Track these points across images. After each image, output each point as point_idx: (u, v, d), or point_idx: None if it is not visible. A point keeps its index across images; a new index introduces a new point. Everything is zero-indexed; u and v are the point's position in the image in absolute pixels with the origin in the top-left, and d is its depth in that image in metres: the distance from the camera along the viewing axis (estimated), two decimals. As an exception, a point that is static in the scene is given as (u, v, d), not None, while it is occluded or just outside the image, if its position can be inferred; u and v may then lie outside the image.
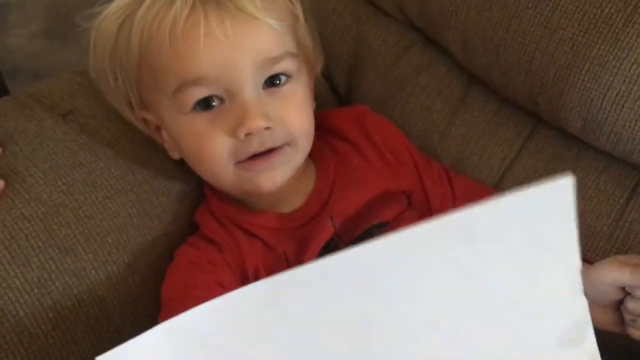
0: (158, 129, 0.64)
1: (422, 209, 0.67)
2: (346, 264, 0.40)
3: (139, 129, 0.65)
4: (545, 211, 0.40)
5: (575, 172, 0.66)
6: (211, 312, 0.39)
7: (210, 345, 0.40)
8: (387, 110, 0.74)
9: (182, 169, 0.66)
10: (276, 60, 0.58)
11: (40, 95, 0.65)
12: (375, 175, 0.66)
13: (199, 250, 0.61)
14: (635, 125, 0.60)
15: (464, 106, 0.72)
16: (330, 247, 0.62)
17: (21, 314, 0.55)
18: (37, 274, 0.56)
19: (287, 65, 0.59)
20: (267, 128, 0.58)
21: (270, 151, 0.59)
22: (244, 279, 0.60)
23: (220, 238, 0.62)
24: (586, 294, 0.44)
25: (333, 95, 0.78)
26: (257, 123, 0.57)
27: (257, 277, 0.60)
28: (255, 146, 0.58)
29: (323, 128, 0.67)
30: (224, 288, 0.57)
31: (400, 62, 0.74)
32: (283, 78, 0.59)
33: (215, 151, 0.58)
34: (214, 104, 0.58)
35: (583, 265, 0.54)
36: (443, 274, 0.41)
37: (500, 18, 0.64)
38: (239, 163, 0.60)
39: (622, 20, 0.59)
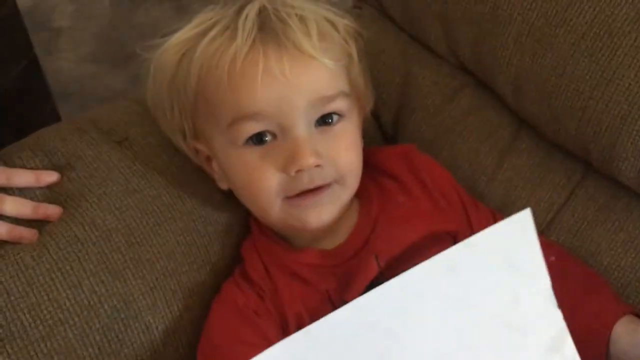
0: (208, 159, 0.65)
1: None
2: (353, 314, 0.47)
3: (190, 158, 0.67)
4: (514, 241, 0.50)
5: (625, 223, 0.66)
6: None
7: None
8: (434, 151, 0.74)
9: (230, 200, 0.66)
10: (330, 99, 0.60)
11: (98, 121, 0.67)
12: (421, 215, 0.66)
13: (245, 295, 0.62)
14: (690, 177, 0.60)
15: (512, 150, 0.72)
16: (374, 285, 0.62)
17: (70, 335, 0.56)
18: (87, 296, 0.57)
19: (339, 104, 0.60)
20: (317, 165, 0.59)
21: (318, 188, 0.60)
22: (285, 326, 0.61)
23: (262, 281, 0.62)
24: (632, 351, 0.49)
25: (380, 133, 0.79)
26: (309, 160, 0.58)
27: (299, 323, 0.61)
28: (305, 183, 0.59)
29: (369, 165, 0.67)
30: (269, 342, 0.59)
31: (449, 104, 0.75)
32: (335, 117, 0.61)
33: (265, 185, 0.59)
34: (267, 139, 0.59)
35: (635, 322, 0.54)
36: (438, 308, 0.48)
37: (555, 65, 0.64)
38: (287, 199, 0.60)
39: (681, 72, 0.58)
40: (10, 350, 0.54)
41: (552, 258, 0.64)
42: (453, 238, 0.66)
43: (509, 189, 0.71)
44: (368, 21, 0.78)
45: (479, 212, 0.68)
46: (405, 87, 0.77)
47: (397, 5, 0.77)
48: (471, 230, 0.67)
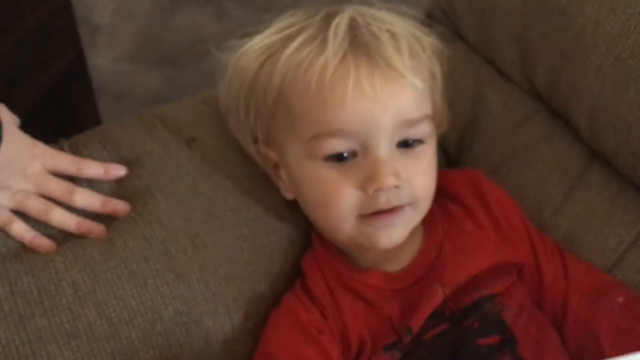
0: (276, 167, 0.64)
1: (533, 283, 0.65)
2: None
3: (256, 164, 0.65)
4: None
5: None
6: None
7: None
8: (499, 177, 0.72)
9: (293, 210, 0.65)
10: (415, 122, 0.59)
11: (166, 119, 0.66)
12: (488, 245, 0.64)
13: (307, 310, 0.60)
14: None
15: (582, 182, 0.70)
16: (437, 313, 0.61)
17: (133, 336, 0.55)
18: (152, 296, 0.56)
19: (423, 129, 0.60)
20: (396, 186, 0.58)
21: (392, 209, 0.59)
22: (346, 347, 0.59)
23: (324, 299, 0.61)
24: None
25: (443, 156, 0.77)
26: (389, 180, 0.57)
27: (361, 343, 0.59)
28: (382, 203, 0.58)
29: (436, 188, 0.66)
30: None
31: (519, 130, 0.73)
32: (415, 143, 0.60)
33: (341, 203, 0.58)
34: (346, 155, 0.58)
35: None
36: None
37: (637, 99, 0.62)
38: (360, 217, 0.59)
39: None
40: (75, 347, 0.53)
41: (621, 299, 0.62)
42: (518, 270, 0.65)
43: (575, 222, 0.69)
44: (439, 40, 0.76)
45: (544, 244, 0.67)
46: (474, 110, 0.76)
47: (472, 25, 0.76)
48: (537, 263, 0.65)
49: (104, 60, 1.86)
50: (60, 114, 1.17)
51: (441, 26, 0.80)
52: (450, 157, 0.78)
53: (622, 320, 0.61)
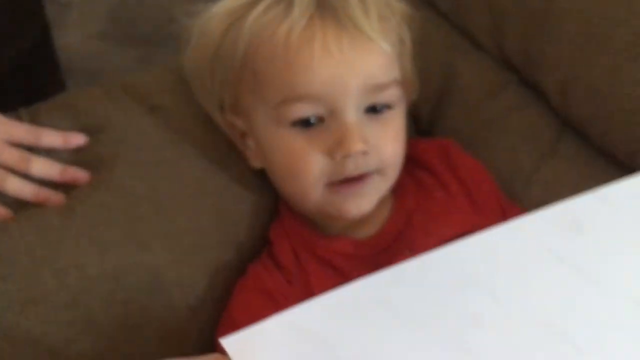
0: (243, 135, 0.63)
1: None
2: (449, 259, 0.41)
3: (223, 133, 0.64)
4: None
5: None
6: (322, 306, 0.40)
7: (319, 339, 0.40)
8: (471, 148, 0.71)
9: (261, 179, 0.64)
10: (383, 87, 0.58)
11: (130, 87, 0.65)
12: (458, 212, 0.64)
13: (273, 279, 0.60)
14: None
15: (553, 153, 0.70)
16: None
17: (93, 304, 0.54)
18: (113, 264, 0.55)
19: (392, 93, 0.59)
20: (364, 152, 0.57)
21: (360, 178, 0.58)
22: None
23: (291, 266, 0.61)
24: None
25: (414, 126, 0.77)
26: (357, 146, 0.56)
27: None
28: (350, 169, 0.57)
29: (406, 156, 0.65)
30: None
31: (491, 101, 0.73)
32: (384, 109, 0.59)
33: (309, 169, 0.57)
34: (313, 121, 0.57)
35: None
36: (551, 270, 0.39)
37: (609, 66, 0.62)
38: (328, 185, 0.58)
39: None
40: (32, 315, 0.51)
41: None
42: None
43: (546, 192, 0.69)
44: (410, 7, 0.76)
45: (515, 213, 0.66)
46: (446, 80, 0.75)
47: (443, -7, 0.75)
48: None
49: (74, 38, 1.82)
50: (27, 91, 1.14)
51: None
52: (421, 127, 0.77)
53: None
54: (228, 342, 0.39)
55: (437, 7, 0.77)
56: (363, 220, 0.61)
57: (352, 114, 0.57)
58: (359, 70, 0.56)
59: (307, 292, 0.59)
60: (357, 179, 0.58)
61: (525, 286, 0.39)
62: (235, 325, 0.57)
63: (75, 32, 1.84)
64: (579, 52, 0.64)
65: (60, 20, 1.86)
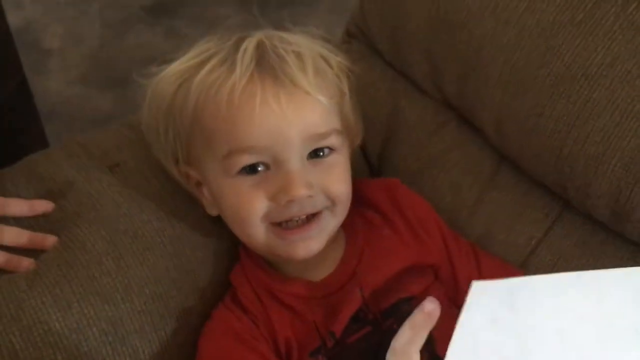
0: (199, 184, 0.67)
1: (449, 284, 0.69)
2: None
3: (180, 185, 0.68)
4: None
5: (600, 258, 0.68)
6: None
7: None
8: (417, 183, 0.76)
9: (219, 226, 0.68)
10: (323, 136, 0.62)
11: (89, 146, 0.69)
12: (404, 248, 0.68)
13: (239, 320, 0.63)
14: (662, 216, 0.62)
15: (493, 184, 0.74)
16: (359, 316, 0.64)
17: (58, 357, 0.57)
18: (76, 319, 0.58)
19: (332, 141, 0.63)
20: (309, 196, 0.60)
21: (308, 220, 0.62)
22: (276, 351, 0.62)
23: (254, 308, 0.64)
24: None
25: (366, 164, 0.81)
26: (301, 192, 0.60)
27: (288, 347, 0.62)
28: (295, 212, 0.61)
29: (354, 197, 0.69)
30: None
31: (434, 138, 0.77)
32: (327, 151, 0.62)
33: (253, 211, 0.61)
34: (260, 169, 0.61)
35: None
36: None
37: (535, 105, 0.67)
38: (273, 225, 0.62)
39: (653, 116, 0.61)
40: (-1, 372, 0.55)
41: None
42: (434, 271, 0.68)
43: (489, 222, 0.73)
44: (357, 56, 0.80)
45: (459, 245, 0.70)
46: (392, 121, 0.79)
47: (385, 41, 0.80)
48: (451, 263, 0.69)
49: (55, 83, 1.87)
50: (3, 140, 1.17)
51: (358, 42, 0.84)
52: (372, 166, 0.82)
53: None
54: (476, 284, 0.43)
55: (381, 54, 0.82)
56: (317, 262, 0.64)
57: (295, 162, 0.60)
58: (297, 122, 0.60)
59: (270, 331, 0.63)
60: (303, 224, 0.62)
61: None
62: None
63: (56, 77, 1.89)
64: (507, 92, 0.68)
65: (41, 66, 1.91)
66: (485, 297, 0.43)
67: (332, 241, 0.65)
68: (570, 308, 0.44)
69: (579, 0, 0.65)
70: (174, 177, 0.67)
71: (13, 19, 1.18)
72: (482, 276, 0.69)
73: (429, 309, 0.44)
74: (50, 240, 0.62)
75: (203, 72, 0.62)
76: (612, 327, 0.44)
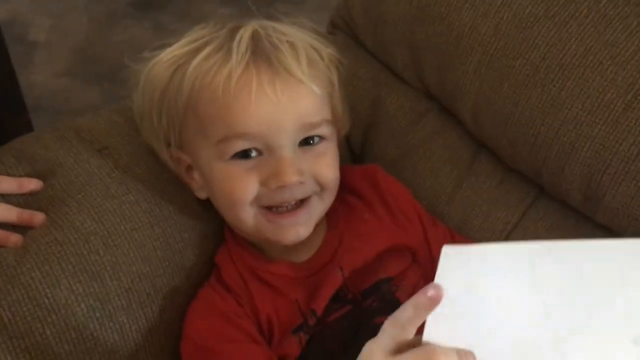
0: (189, 168, 0.68)
1: (427, 265, 0.71)
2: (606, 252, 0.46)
3: (167, 168, 0.69)
4: None
5: (573, 241, 0.71)
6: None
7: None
8: (398, 170, 0.78)
9: (206, 208, 0.70)
10: (315, 125, 0.64)
11: (79, 130, 0.70)
12: (383, 231, 0.70)
13: (223, 299, 0.65)
14: (631, 202, 0.65)
15: (471, 171, 0.77)
16: (340, 296, 0.66)
17: (47, 332, 0.59)
18: (65, 295, 0.60)
19: (323, 130, 0.65)
20: (300, 183, 0.63)
21: (297, 206, 0.64)
22: (259, 327, 0.64)
23: (238, 288, 0.66)
24: None
25: (349, 152, 0.83)
26: (292, 178, 0.61)
27: (269, 325, 0.64)
28: (286, 197, 0.63)
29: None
30: (253, 338, 0.62)
31: (414, 127, 0.80)
32: (317, 139, 0.64)
33: (243, 194, 0.63)
34: (253, 155, 0.63)
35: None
36: None
37: (510, 94, 0.69)
38: (263, 209, 0.64)
39: (622, 105, 0.64)
40: (-11, 344, 0.56)
41: None
42: (412, 253, 0.71)
43: (466, 208, 0.76)
44: (341, 47, 0.82)
45: (436, 230, 0.73)
46: (374, 110, 0.82)
47: (368, 33, 0.82)
48: (428, 246, 0.71)
49: (41, 76, 1.87)
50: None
51: (343, 34, 0.86)
52: (354, 153, 0.84)
53: None
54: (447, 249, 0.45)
55: (365, 45, 0.84)
56: (300, 245, 0.66)
57: (287, 149, 0.62)
58: (292, 110, 0.62)
59: (253, 309, 0.65)
60: (293, 209, 0.64)
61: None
62: (204, 349, 0.63)
63: (41, 71, 1.89)
64: (484, 82, 0.71)
65: (27, 59, 1.91)
66: (458, 262, 0.45)
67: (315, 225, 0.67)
68: (546, 274, 0.46)
69: (554, -7, 0.68)
70: (163, 161, 0.69)
71: (-1, 12, 1.19)
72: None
73: (432, 294, 0.46)
74: (38, 217, 0.63)
75: (199, 58, 0.63)
76: (589, 294, 0.46)
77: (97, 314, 0.61)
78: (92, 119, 0.73)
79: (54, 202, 0.63)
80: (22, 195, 0.64)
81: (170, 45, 0.67)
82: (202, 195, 0.69)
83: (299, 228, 0.64)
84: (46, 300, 0.59)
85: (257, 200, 0.63)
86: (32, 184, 0.64)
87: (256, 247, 0.69)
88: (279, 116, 0.61)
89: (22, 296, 0.58)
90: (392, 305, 0.65)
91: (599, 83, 0.65)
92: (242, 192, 0.63)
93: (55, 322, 0.59)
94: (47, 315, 0.59)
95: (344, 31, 0.86)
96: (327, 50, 0.68)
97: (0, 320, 0.57)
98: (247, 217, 0.64)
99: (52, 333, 0.59)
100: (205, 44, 0.64)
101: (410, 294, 0.66)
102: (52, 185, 0.65)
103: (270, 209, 0.64)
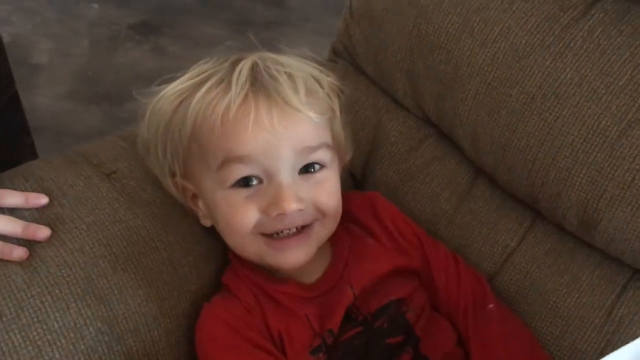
0: (194, 197, 0.70)
1: (429, 287, 0.73)
2: None
3: (172, 195, 0.71)
4: None
5: (570, 266, 0.72)
6: None
7: None
8: (399, 196, 0.80)
9: (209, 234, 0.71)
10: (313, 149, 0.65)
11: (88, 155, 0.72)
12: (387, 255, 0.72)
13: (230, 311, 0.66)
14: (627, 227, 0.67)
15: (470, 196, 0.78)
16: (351, 316, 0.67)
17: (57, 355, 0.60)
18: (74, 319, 0.61)
19: (322, 154, 0.66)
20: (300, 210, 0.64)
21: (298, 232, 0.65)
22: (272, 340, 0.65)
23: (248, 298, 0.67)
24: None
25: (350, 178, 0.85)
26: (291, 206, 0.63)
27: (281, 340, 0.65)
28: (285, 224, 0.64)
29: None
30: (266, 349, 0.63)
31: (414, 153, 0.82)
32: (317, 166, 0.66)
33: (244, 222, 0.64)
34: (253, 183, 0.64)
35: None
36: None
37: (508, 121, 0.71)
38: (264, 236, 0.65)
39: (617, 133, 0.66)
40: (0, 367, 0.57)
41: (491, 305, 0.71)
42: (418, 276, 0.72)
43: (466, 232, 0.77)
44: (342, 74, 0.84)
45: (437, 252, 0.74)
46: (375, 136, 0.83)
47: (369, 61, 0.84)
48: (429, 268, 0.73)
49: (43, 98, 1.89)
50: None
51: (344, 60, 0.88)
52: (356, 179, 0.85)
53: (493, 320, 0.70)
54: None
55: (365, 73, 0.86)
56: (306, 268, 0.67)
57: (286, 176, 0.64)
58: (288, 138, 0.63)
59: (265, 320, 0.66)
60: (294, 235, 0.65)
61: None
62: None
63: (44, 93, 1.91)
64: (482, 110, 0.73)
65: (29, 81, 1.93)
66: None
67: (320, 249, 0.69)
68: None
69: (549, 25, 0.70)
70: (168, 190, 0.70)
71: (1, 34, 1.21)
72: (460, 285, 0.72)
73: None
74: (43, 231, 0.63)
75: (201, 91, 0.65)
76: None
77: (106, 338, 0.62)
78: (99, 145, 0.75)
79: (64, 221, 0.65)
80: (32, 211, 0.64)
81: (176, 78, 0.69)
82: (207, 223, 0.71)
83: (299, 254, 0.66)
84: (56, 324, 0.60)
85: (257, 228, 0.65)
86: (39, 199, 0.65)
87: (263, 268, 0.70)
88: (276, 142, 0.63)
89: (32, 320, 0.60)
90: (402, 326, 0.67)
91: (594, 111, 0.67)
92: (242, 219, 0.64)
93: (65, 346, 0.60)
94: (57, 339, 0.60)
95: (344, 58, 0.88)
96: (328, 79, 0.70)
97: (11, 344, 0.58)
98: (248, 244, 0.66)
99: (62, 357, 0.60)
100: (208, 78, 0.67)
101: (418, 315, 0.68)
102: (62, 204, 0.66)
103: (271, 236, 0.65)
